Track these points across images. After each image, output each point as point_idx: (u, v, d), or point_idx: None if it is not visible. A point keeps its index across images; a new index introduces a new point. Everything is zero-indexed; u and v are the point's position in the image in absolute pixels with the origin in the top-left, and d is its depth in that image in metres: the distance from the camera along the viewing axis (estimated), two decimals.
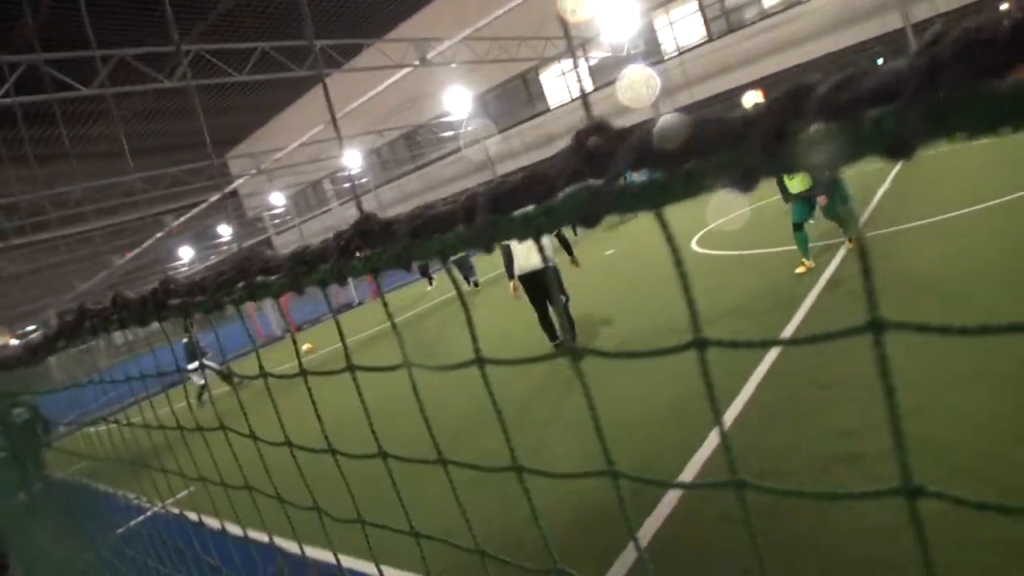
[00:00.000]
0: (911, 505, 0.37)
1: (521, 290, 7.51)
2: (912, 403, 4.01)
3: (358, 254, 0.65)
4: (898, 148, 0.33)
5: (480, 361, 0.62)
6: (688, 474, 4.14)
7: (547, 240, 6.89)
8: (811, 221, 7.91)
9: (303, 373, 0.99)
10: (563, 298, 7.18)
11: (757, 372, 5.32)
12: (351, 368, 0.84)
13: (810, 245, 7.94)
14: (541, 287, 7.23)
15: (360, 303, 24.66)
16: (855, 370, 4.85)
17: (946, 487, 0.40)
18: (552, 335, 7.64)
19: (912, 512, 0.37)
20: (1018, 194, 7.84)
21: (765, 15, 23.96)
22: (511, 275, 7.48)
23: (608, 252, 14.77)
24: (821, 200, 7.53)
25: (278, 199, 34.69)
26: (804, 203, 7.76)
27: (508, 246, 7.14)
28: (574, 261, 7.82)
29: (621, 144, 0.41)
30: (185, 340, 11.45)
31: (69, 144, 20.93)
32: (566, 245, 7.62)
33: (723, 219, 13.93)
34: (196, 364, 11.41)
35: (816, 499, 0.41)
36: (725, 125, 0.37)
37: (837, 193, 7.58)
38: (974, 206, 7.99)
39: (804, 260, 7.85)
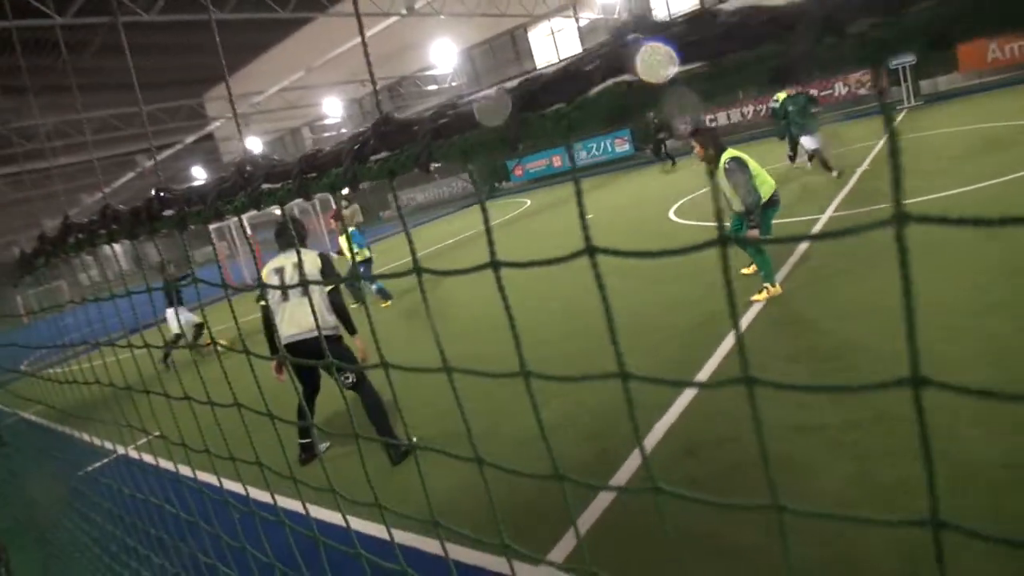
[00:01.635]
0: (916, 394, 0.38)
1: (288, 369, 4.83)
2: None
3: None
4: (941, 40, 0.34)
5: (496, 264, 0.63)
6: (653, 438, 4.22)
7: (319, 297, 4.97)
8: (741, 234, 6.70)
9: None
10: (348, 379, 4.90)
11: (725, 343, 5.40)
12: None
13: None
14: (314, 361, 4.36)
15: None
16: (816, 342, 4.97)
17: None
18: (305, 442, 5.34)
19: (916, 401, 0.39)
20: (993, 180, 7.97)
21: None
22: (272, 346, 5.07)
23: (588, 216, 14.75)
24: (752, 234, 6.30)
25: (255, 144, 33.99)
26: (736, 218, 6.72)
27: (267, 306, 5.04)
28: (356, 335, 5.23)
29: (663, 36, 0.42)
30: (164, 282, 10.84)
31: (34, 76, 20.26)
32: (343, 316, 5.07)
33: (703, 189, 13.98)
34: (172, 311, 10.75)
35: (826, 391, 0.43)
36: (770, 14, 0.38)
37: (766, 229, 6.49)
38: (949, 191, 8.11)
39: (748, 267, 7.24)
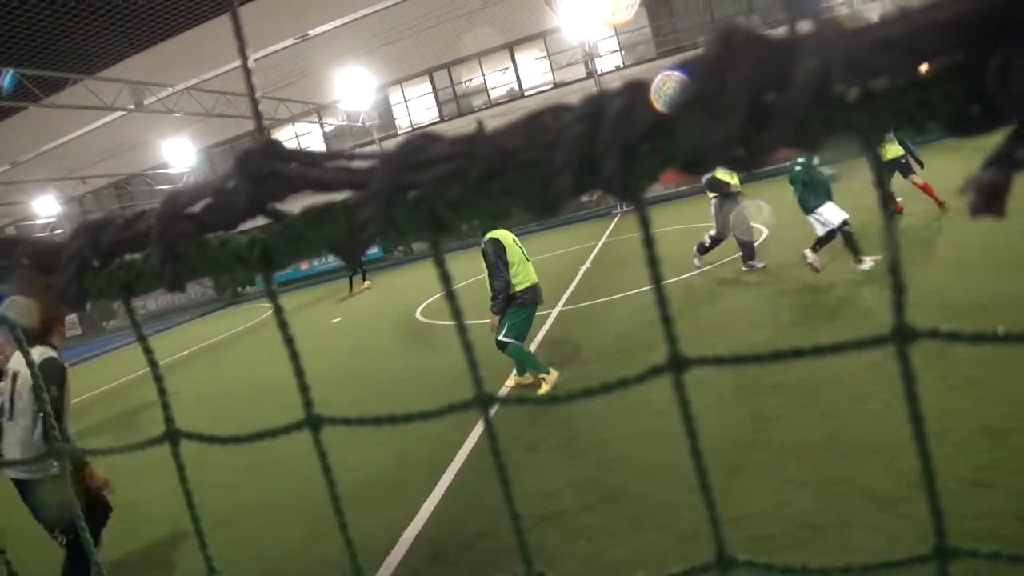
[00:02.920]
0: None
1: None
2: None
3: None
4: (440, 229, 0.44)
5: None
6: (401, 549, 4.17)
7: (27, 423, 3.85)
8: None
9: None
10: (60, 539, 3.88)
11: (471, 439, 5.52)
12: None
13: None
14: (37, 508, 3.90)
15: None
16: (557, 431, 5.31)
17: None
18: None
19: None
20: (684, 276, 9.31)
21: (492, 104, 26.20)
22: None
23: (335, 320, 14.56)
24: (493, 322, 6.28)
25: None
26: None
27: None
28: (83, 477, 4.03)
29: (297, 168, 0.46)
30: None
31: None
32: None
33: (456, 286, 14.42)
34: None
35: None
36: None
37: (506, 324, 6.21)
38: (669, 279, 9.28)
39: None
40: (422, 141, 0.38)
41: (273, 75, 24.11)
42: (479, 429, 5.71)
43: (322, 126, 28.11)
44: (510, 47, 25.67)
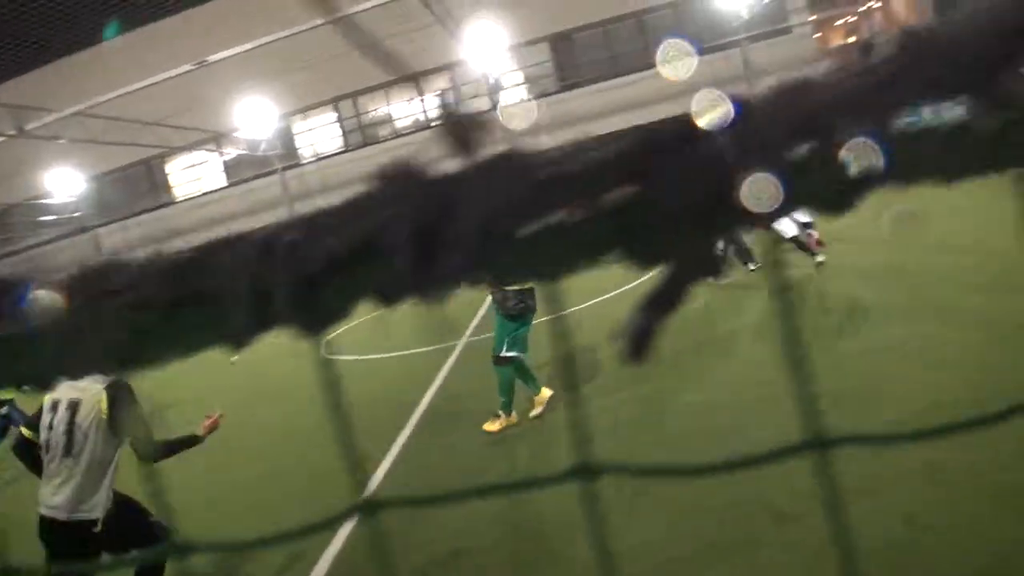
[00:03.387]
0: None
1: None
2: None
3: None
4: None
5: None
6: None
7: (90, 457, 3.33)
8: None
9: None
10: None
11: (377, 476, 5.42)
12: None
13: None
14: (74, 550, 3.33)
15: None
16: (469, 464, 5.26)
17: None
18: None
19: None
20: (592, 301, 9.48)
21: (398, 134, 26.12)
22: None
23: (233, 359, 13.87)
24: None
25: None
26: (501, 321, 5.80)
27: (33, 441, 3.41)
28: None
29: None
30: None
31: None
32: (169, 452, 3.66)
33: (356, 321, 14.01)
34: None
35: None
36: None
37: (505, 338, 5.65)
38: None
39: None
40: (107, 268, 0.36)
41: (168, 102, 23.23)
42: (388, 462, 5.60)
43: (221, 155, 27.24)
44: (416, 78, 25.73)
